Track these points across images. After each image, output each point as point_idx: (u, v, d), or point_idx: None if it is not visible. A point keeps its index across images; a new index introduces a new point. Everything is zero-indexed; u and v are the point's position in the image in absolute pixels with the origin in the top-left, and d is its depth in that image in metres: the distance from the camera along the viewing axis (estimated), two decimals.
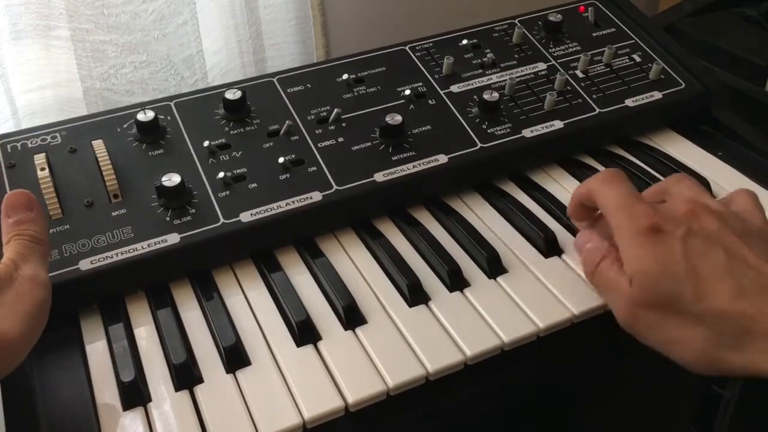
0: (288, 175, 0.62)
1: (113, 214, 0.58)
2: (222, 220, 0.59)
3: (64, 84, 0.87)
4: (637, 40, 0.79)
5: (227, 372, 0.51)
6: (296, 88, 0.69)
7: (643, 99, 0.73)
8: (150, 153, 0.63)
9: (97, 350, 0.53)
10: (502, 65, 0.74)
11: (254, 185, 0.61)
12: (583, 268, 0.55)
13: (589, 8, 0.81)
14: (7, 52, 0.82)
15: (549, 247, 0.60)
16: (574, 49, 0.77)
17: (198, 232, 0.58)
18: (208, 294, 0.57)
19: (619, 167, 0.70)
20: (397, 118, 0.65)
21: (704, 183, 0.67)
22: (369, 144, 0.65)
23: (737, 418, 0.69)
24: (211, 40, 0.96)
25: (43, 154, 0.61)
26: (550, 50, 0.77)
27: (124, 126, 0.64)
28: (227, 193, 0.60)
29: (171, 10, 0.90)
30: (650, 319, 0.49)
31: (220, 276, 0.59)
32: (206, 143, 0.63)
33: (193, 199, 0.59)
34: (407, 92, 0.70)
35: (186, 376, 0.51)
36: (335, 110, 0.67)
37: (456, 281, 0.57)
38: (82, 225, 0.57)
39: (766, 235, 0.51)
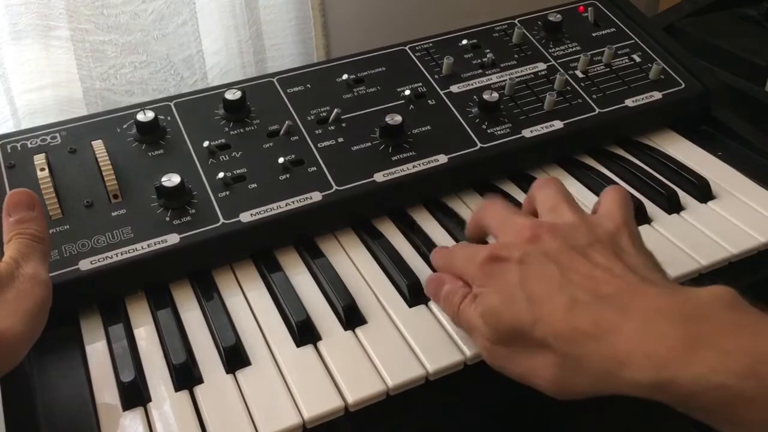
0: (288, 176, 0.62)
1: (113, 214, 0.58)
2: (222, 220, 0.59)
3: (64, 84, 0.87)
4: (637, 40, 0.79)
5: (227, 372, 0.51)
6: (296, 88, 0.69)
7: (643, 99, 0.73)
8: (150, 153, 0.63)
9: (97, 350, 0.53)
10: (501, 65, 0.74)
11: (254, 185, 0.61)
12: (447, 313, 0.53)
13: (589, 8, 0.81)
14: (7, 52, 0.82)
15: None
16: (574, 49, 0.77)
17: (198, 233, 0.58)
18: (208, 294, 0.57)
19: (619, 167, 0.70)
20: (397, 119, 0.65)
21: (704, 183, 0.67)
22: (369, 144, 0.65)
23: None
24: (211, 40, 0.96)
25: (42, 155, 0.61)
26: (549, 50, 0.77)
27: (124, 126, 0.64)
28: (227, 193, 0.60)
29: (171, 10, 0.90)
30: (503, 353, 0.47)
31: (220, 276, 0.59)
32: (206, 143, 0.63)
33: (193, 200, 0.59)
34: (407, 92, 0.70)
35: (186, 376, 0.51)
36: (335, 110, 0.67)
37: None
38: (82, 225, 0.57)
39: (617, 239, 0.48)
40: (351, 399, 0.49)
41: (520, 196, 0.66)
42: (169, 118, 0.65)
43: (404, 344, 0.53)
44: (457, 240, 0.62)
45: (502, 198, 0.54)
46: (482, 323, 0.48)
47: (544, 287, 0.45)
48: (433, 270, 0.57)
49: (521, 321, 0.45)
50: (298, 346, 0.53)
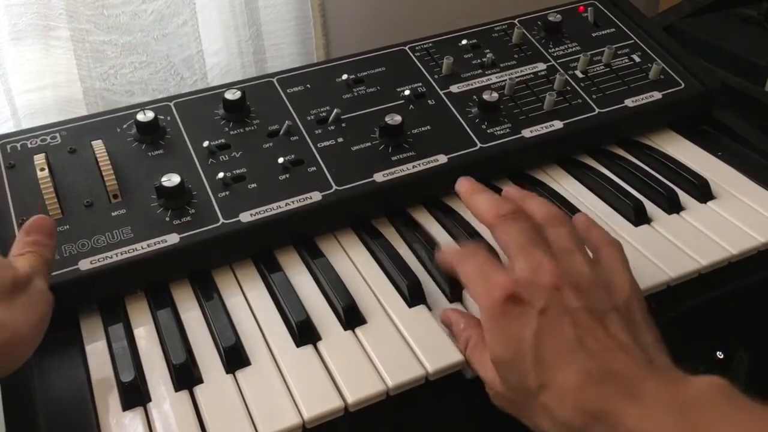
0: (288, 176, 0.62)
1: (113, 214, 0.58)
2: (222, 220, 0.59)
3: (64, 84, 0.87)
4: (637, 40, 0.79)
5: (227, 372, 0.51)
6: (296, 89, 0.69)
7: (642, 99, 0.73)
8: (150, 153, 0.63)
9: (97, 350, 0.53)
10: (501, 65, 0.74)
11: (254, 185, 0.61)
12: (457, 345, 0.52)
13: (589, 8, 0.81)
14: (7, 52, 0.82)
15: None
16: (574, 49, 0.77)
17: (198, 233, 0.58)
18: (207, 294, 0.57)
19: (619, 167, 0.70)
20: (397, 119, 0.65)
21: (704, 183, 0.67)
22: (369, 144, 0.65)
23: None
24: (211, 40, 0.96)
25: (42, 155, 0.61)
26: (549, 50, 0.77)
27: (124, 126, 0.64)
28: (227, 193, 0.60)
29: (171, 10, 0.90)
30: (512, 406, 0.47)
31: (219, 276, 0.59)
32: (206, 143, 0.63)
33: (193, 200, 0.59)
34: (407, 92, 0.70)
35: (186, 376, 0.51)
36: (335, 110, 0.67)
37: (456, 282, 0.57)
38: (82, 225, 0.57)
39: (631, 311, 0.47)
40: (351, 399, 0.49)
41: None
42: (169, 118, 0.65)
43: (404, 344, 0.53)
44: (457, 240, 0.62)
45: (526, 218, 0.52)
46: (490, 372, 0.48)
47: (557, 350, 0.44)
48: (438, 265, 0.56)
49: (527, 381, 0.44)
50: (298, 346, 0.53)
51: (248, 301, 0.57)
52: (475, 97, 0.70)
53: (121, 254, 0.56)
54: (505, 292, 0.46)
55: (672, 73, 0.75)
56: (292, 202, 0.60)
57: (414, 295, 0.56)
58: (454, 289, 0.57)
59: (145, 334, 0.54)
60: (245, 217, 0.59)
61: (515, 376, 0.45)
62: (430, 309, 0.56)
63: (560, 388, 0.43)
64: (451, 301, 0.57)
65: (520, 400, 0.46)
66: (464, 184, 0.56)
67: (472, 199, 0.54)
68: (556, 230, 0.51)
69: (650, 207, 0.65)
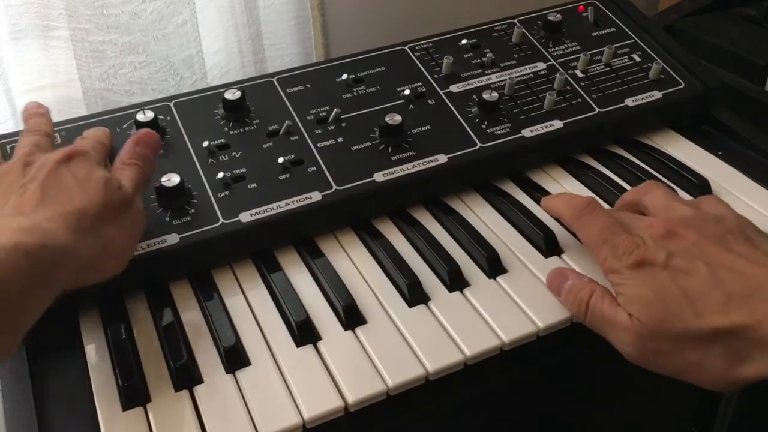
0: (287, 175, 0.62)
1: None
2: (221, 220, 0.59)
3: (63, 84, 0.87)
4: (637, 39, 0.79)
5: (227, 372, 0.51)
6: (296, 88, 0.69)
7: (642, 99, 0.73)
8: None
9: (97, 350, 0.53)
10: (501, 65, 0.74)
11: (254, 185, 0.61)
12: (571, 311, 0.54)
13: (589, 8, 0.81)
14: (7, 52, 0.82)
15: (549, 247, 0.60)
16: (574, 48, 0.77)
17: (197, 233, 0.58)
18: (207, 294, 0.57)
19: (619, 167, 0.70)
20: (397, 118, 0.65)
21: (704, 183, 0.67)
22: (369, 144, 0.65)
23: (738, 418, 0.69)
24: (210, 40, 0.96)
25: None
26: (549, 50, 0.76)
27: (124, 126, 0.64)
28: (227, 193, 0.60)
29: (171, 10, 0.90)
30: (661, 348, 0.48)
31: (219, 276, 0.59)
32: (206, 143, 0.63)
33: (193, 200, 0.59)
34: (407, 92, 0.70)
35: (186, 376, 0.51)
36: (335, 110, 0.67)
37: (456, 281, 0.57)
38: None
39: (745, 229, 0.51)
40: (351, 399, 0.49)
41: (520, 195, 0.66)
42: (168, 118, 0.65)
43: (404, 344, 0.53)
44: (457, 240, 0.62)
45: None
46: (629, 318, 0.48)
47: (697, 284, 0.47)
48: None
49: (682, 315, 0.46)
50: (298, 346, 0.53)
51: (248, 301, 0.57)
52: (475, 96, 0.70)
53: None
54: (632, 259, 0.49)
55: (672, 73, 0.75)
56: (292, 202, 0.60)
57: (414, 295, 0.56)
58: (454, 282, 0.57)
59: (145, 334, 0.54)
60: (245, 217, 0.59)
61: (668, 313, 0.47)
62: (429, 308, 0.56)
63: (713, 312, 0.46)
64: (450, 291, 0.57)
65: (671, 340, 0.47)
66: (542, 203, 0.61)
67: (551, 206, 0.59)
68: (649, 195, 0.56)
69: None
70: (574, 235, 0.61)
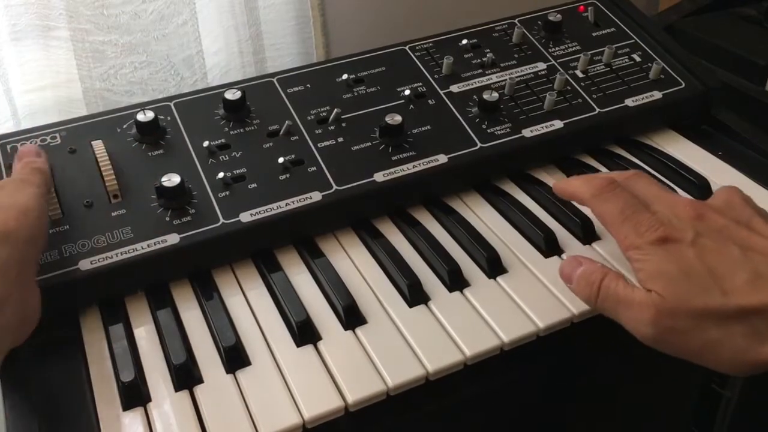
0: (288, 175, 0.62)
1: (113, 214, 0.58)
2: (222, 220, 0.59)
3: (63, 84, 0.87)
4: (637, 39, 0.79)
5: (227, 372, 0.51)
6: (296, 88, 0.69)
7: (643, 99, 0.73)
8: (150, 153, 0.62)
9: (97, 350, 0.53)
10: (501, 65, 0.74)
11: (254, 185, 0.61)
12: (582, 296, 0.52)
13: (589, 8, 0.81)
14: (7, 53, 0.82)
15: (549, 247, 0.60)
16: (574, 48, 0.77)
17: (198, 232, 0.58)
18: (208, 294, 0.57)
19: (619, 167, 0.70)
20: (397, 118, 0.65)
21: (704, 183, 0.67)
22: (369, 144, 0.65)
23: (737, 418, 0.69)
24: (211, 40, 0.96)
25: None
26: (549, 50, 0.77)
27: (124, 126, 0.64)
28: (227, 193, 0.60)
29: (171, 10, 0.90)
30: (680, 326, 0.46)
31: (220, 276, 0.59)
32: (206, 143, 0.63)
33: (193, 200, 0.59)
34: (407, 92, 0.70)
35: (186, 376, 0.51)
36: (335, 110, 0.67)
37: (456, 281, 0.57)
38: (82, 225, 0.57)
39: (764, 213, 0.51)
40: (351, 399, 0.49)
41: (520, 195, 0.67)
42: (169, 118, 0.65)
43: (404, 344, 0.53)
44: (457, 240, 0.62)
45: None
46: (648, 295, 0.47)
47: (726, 264, 0.47)
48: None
49: (707, 291, 0.46)
50: (298, 346, 0.53)
51: (248, 301, 0.57)
52: (475, 96, 0.70)
53: (121, 254, 0.56)
54: (656, 235, 0.49)
55: (672, 73, 0.75)
56: (292, 202, 0.60)
57: (414, 295, 0.56)
58: (454, 282, 0.57)
59: (145, 334, 0.54)
60: (245, 217, 0.59)
61: (693, 289, 0.46)
62: (430, 308, 0.56)
63: (740, 291, 0.45)
64: (450, 291, 0.57)
65: (698, 313, 0.46)
66: (555, 186, 0.59)
67: (566, 186, 0.57)
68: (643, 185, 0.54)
69: None
70: (574, 234, 0.61)
